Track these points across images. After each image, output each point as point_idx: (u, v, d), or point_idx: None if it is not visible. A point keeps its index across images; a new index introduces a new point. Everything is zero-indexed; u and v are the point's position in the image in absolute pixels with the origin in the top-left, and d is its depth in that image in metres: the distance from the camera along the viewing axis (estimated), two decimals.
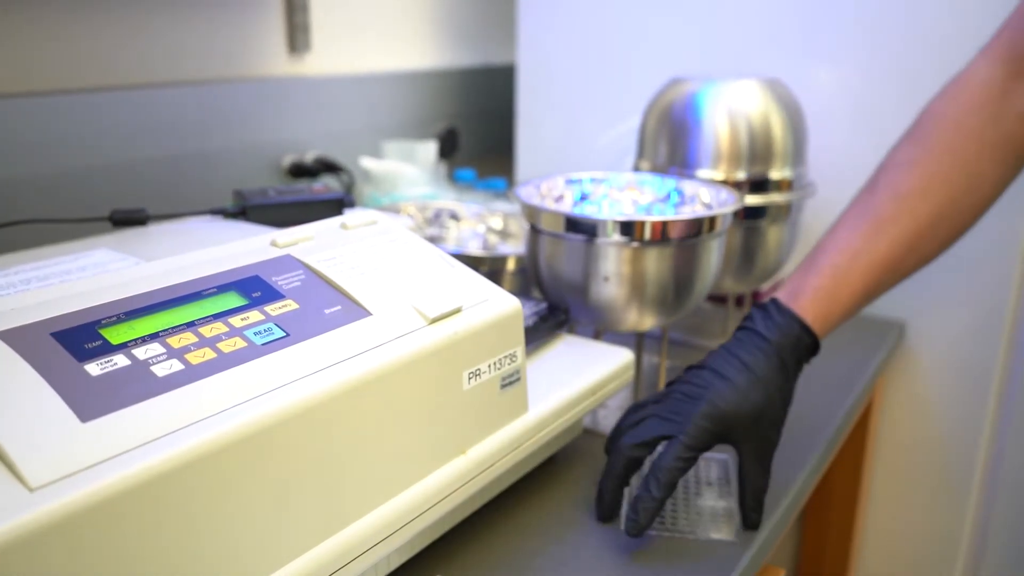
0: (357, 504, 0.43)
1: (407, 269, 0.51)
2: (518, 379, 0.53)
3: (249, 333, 0.41)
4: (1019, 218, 0.91)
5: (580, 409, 0.60)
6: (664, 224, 0.67)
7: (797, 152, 0.87)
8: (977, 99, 0.62)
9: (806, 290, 0.61)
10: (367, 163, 1.06)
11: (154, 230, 0.64)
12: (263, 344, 0.41)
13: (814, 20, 0.99)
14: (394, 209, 0.99)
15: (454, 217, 1.02)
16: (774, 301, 0.61)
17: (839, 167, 1.01)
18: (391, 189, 1.04)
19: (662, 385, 0.80)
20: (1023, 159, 0.63)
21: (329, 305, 0.45)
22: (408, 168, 1.05)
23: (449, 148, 1.35)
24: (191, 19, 0.99)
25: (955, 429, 1.00)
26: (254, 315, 0.43)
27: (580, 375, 0.61)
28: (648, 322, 0.72)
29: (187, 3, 0.98)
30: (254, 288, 0.45)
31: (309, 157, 1.10)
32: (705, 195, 0.77)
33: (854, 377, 0.84)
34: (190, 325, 0.40)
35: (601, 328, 0.75)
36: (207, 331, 0.40)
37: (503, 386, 0.52)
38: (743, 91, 0.84)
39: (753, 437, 0.56)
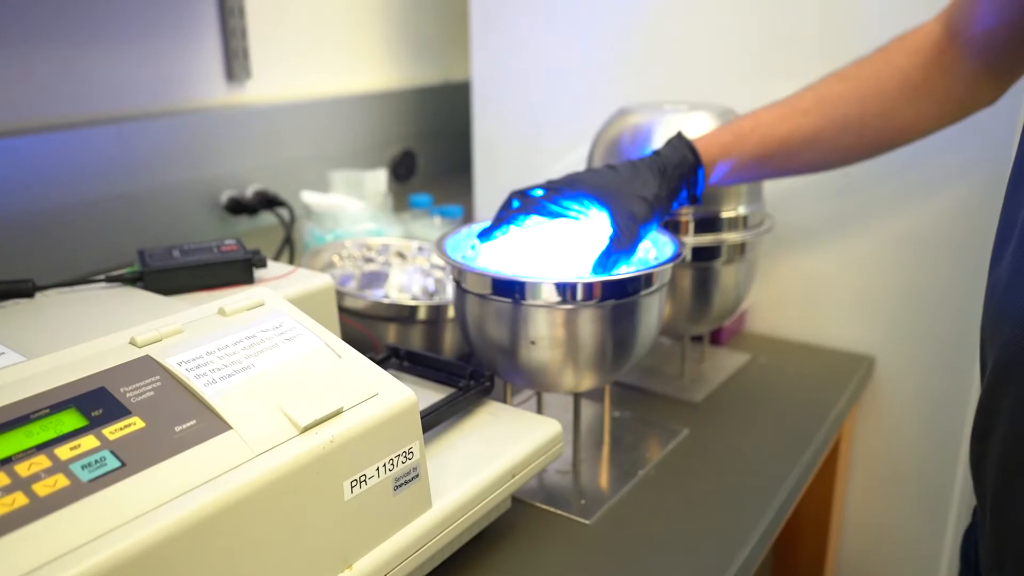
0: None
1: (286, 365, 0.46)
2: (416, 476, 0.49)
3: (75, 467, 0.36)
4: (984, 249, 0.86)
5: (496, 495, 0.55)
6: (596, 284, 0.62)
7: (752, 188, 0.82)
8: (915, 45, 0.70)
9: (708, 135, 0.73)
10: (309, 198, 1.01)
11: (41, 303, 0.59)
12: (90, 480, 0.36)
13: (769, 43, 0.94)
14: (337, 247, 0.94)
15: (400, 255, 0.97)
16: (679, 133, 0.72)
17: (798, 198, 0.96)
18: (334, 226, 0.99)
19: (607, 438, 0.75)
20: (941, 114, 0.71)
21: (182, 420, 0.40)
22: (352, 203, 1.00)
23: (406, 172, 1.30)
24: (119, 50, 0.93)
25: (928, 463, 0.96)
26: (88, 441, 0.38)
27: (499, 454, 0.56)
28: (586, 383, 0.67)
29: (113, 34, 0.93)
30: (96, 404, 0.40)
31: (249, 192, 1.05)
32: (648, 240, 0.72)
33: (823, 411, 0.81)
34: (5, 463, 0.36)
35: (536, 390, 0.70)
36: (24, 469, 0.36)
37: (397, 487, 0.47)
38: (693, 124, 0.78)
39: (618, 201, 0.66)
